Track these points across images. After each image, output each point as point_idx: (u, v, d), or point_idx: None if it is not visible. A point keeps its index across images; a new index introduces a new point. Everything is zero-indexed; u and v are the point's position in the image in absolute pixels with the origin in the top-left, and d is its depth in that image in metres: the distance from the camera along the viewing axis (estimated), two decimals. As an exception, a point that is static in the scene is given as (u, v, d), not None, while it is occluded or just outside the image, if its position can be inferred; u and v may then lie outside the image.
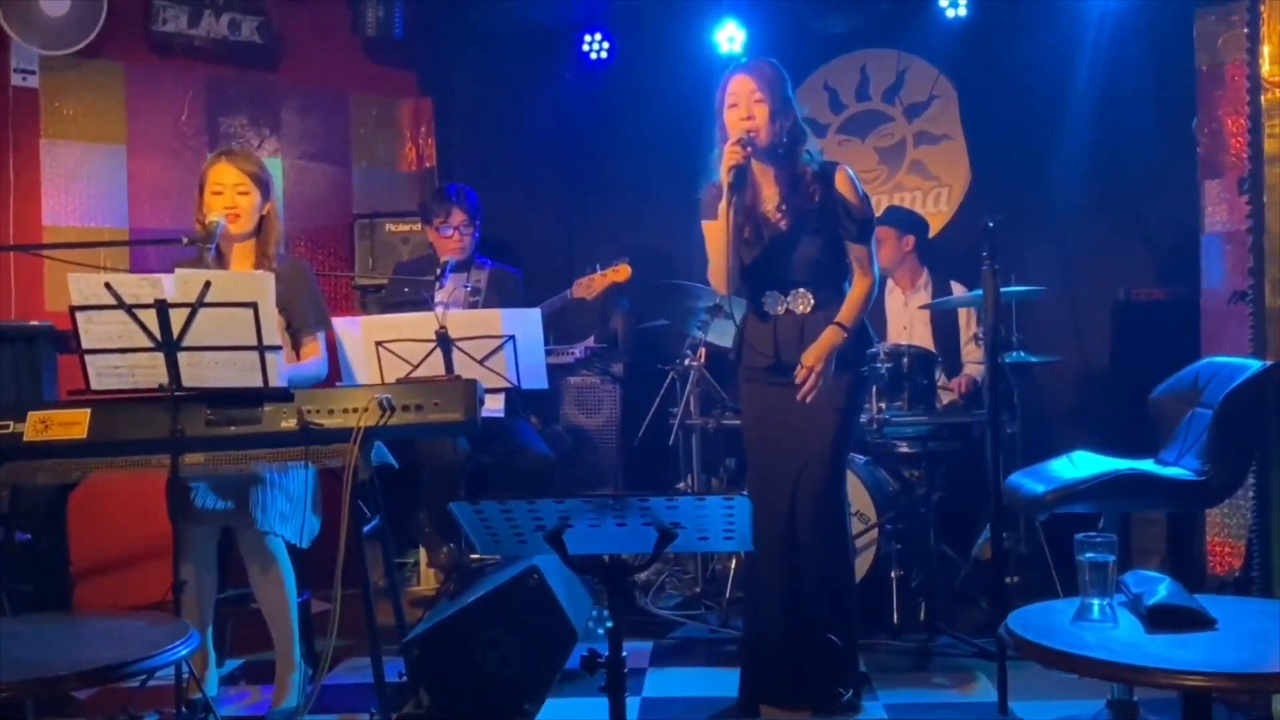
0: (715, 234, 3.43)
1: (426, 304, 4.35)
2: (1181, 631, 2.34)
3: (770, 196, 3.49)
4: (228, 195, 3.58)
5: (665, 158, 5.76)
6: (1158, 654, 2.20)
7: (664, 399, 5.07)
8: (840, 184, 3.44)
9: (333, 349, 3.77)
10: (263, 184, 3.63)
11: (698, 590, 4.77)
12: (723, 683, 3.65)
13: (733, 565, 4.52)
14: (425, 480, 4.44)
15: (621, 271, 4.68)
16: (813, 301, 3.47)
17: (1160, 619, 2.38)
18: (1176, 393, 3.94)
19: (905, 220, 5.16)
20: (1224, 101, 4.55)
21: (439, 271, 4.38)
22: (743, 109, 3.40)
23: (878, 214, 5.31)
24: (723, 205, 3.34)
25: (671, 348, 5.23)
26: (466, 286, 4.62)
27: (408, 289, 4.63)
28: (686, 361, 4.84)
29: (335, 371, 3.83)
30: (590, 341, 5.47)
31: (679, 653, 4.19)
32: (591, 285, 4.71)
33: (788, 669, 3.48)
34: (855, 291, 3.49)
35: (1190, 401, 3.84)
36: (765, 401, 3.55)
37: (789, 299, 3.49)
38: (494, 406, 3.91)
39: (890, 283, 5.12)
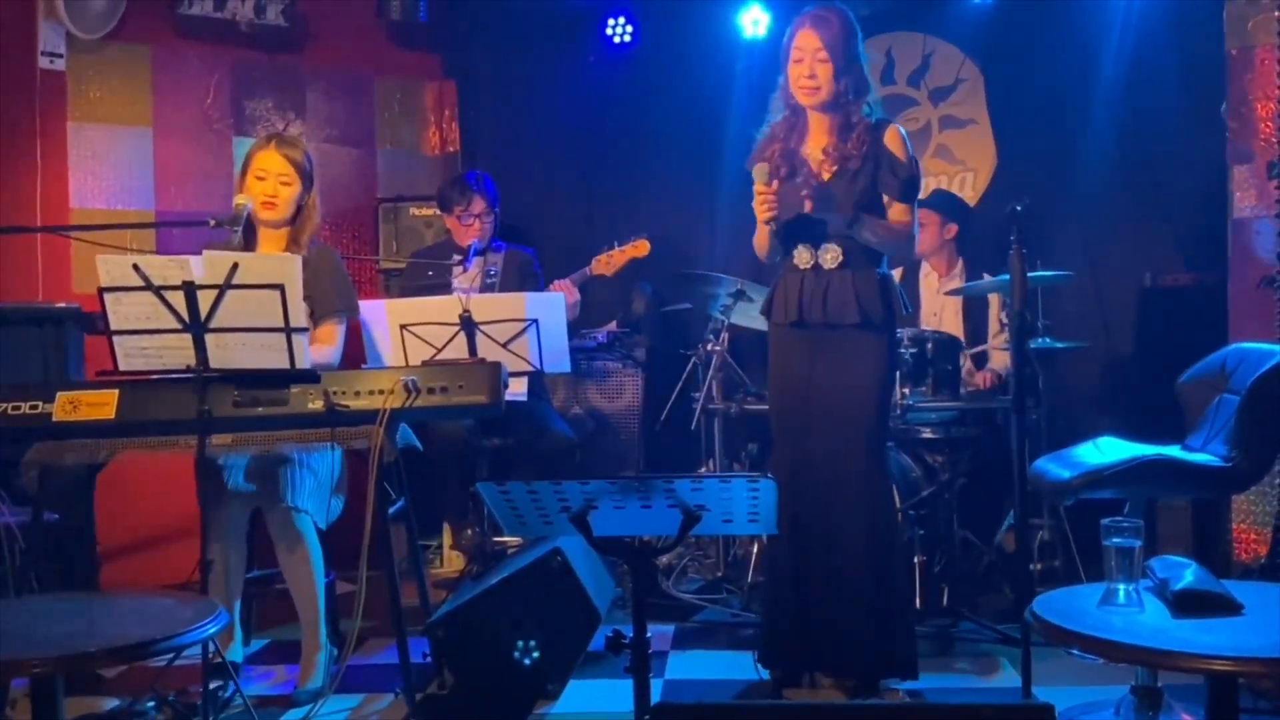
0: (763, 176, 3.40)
1: (447, 288, 4.35)
2: (1208, 616, 2.32)
3: (819, 143, 3.45)
4: (270, 183, 3.59)
5: (688, 142, 5.75)
6: (1184, 638, 2.19)
7: (686, 383, 5.07)
8: (889, 139, 3.39)
9: (357, 336, 3.79)
10: (306, 174, 3.64)
11: (719, 574, 4.77)
12: (745, 666, 3.65)
13: (754, 550, 4.52)
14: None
15: (641, 247, 4.67)
16: (841, 257, 3.39)
17: (1186, 604, 2.37)
18: (1203, 378, 3.92)
19: (951, 206, 5.11)
20: (1254, 86, 4.51)
21: (462, 257, 4.39)
22: (806, 66, 3.36)
23: (923, 197, 5.29)
24: (763, 232, 3.45)
25: (694, 332, 5.23)
26: (491, 271, 4.63)
27: (432, 272, 4.64)
28: (709, 346, 4.83)
29: (360, 355, 3.84)
30: (613, 326, 5.47)
31: (701, 636, 4.20)
32: (611, 261, 4.70)
33: (812, 646, 3.45)
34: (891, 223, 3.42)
35: (1217, 387, 3.82)
36: (788, 357, 3.50)
37: (818, 252, 3.41)
38: (517, 390, 3.92)
39: (926, 266, 5.09)
